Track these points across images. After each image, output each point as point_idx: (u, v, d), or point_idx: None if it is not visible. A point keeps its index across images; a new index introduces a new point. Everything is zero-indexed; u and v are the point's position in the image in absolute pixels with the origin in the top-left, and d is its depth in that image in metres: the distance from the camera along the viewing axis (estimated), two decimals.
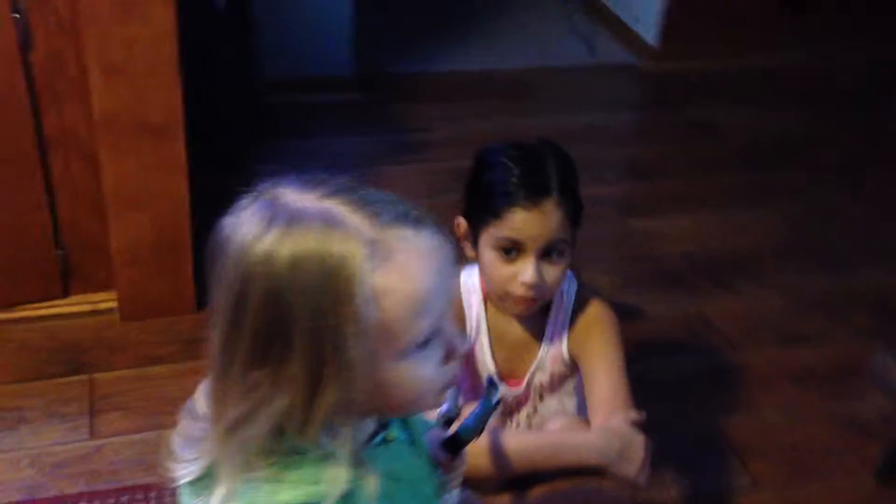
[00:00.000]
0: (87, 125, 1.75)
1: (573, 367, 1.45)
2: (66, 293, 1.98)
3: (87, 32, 1.65)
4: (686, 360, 2.12)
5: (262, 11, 2.66)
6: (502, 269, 1.30)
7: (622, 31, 3.67)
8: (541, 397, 1.49)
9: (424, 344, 0.76)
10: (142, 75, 1.70)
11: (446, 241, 0.78)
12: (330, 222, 0.71)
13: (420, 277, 0.74)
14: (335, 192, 0.73)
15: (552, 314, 1.43)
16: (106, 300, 2.00)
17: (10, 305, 1.95)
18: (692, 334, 2.19)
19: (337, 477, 0.74)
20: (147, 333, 1.99)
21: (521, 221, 1.26)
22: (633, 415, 1.32)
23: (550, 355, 1.44)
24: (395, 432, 0.90)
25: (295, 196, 0.73)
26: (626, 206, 2.70)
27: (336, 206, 0.72)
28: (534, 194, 1.26)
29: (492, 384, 1.01)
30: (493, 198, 1.28)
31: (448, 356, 0.79)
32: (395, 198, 0.77)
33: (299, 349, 0.70)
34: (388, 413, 0.82)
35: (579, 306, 1.44)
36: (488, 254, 1.30)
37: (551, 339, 1.43)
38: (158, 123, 1.75)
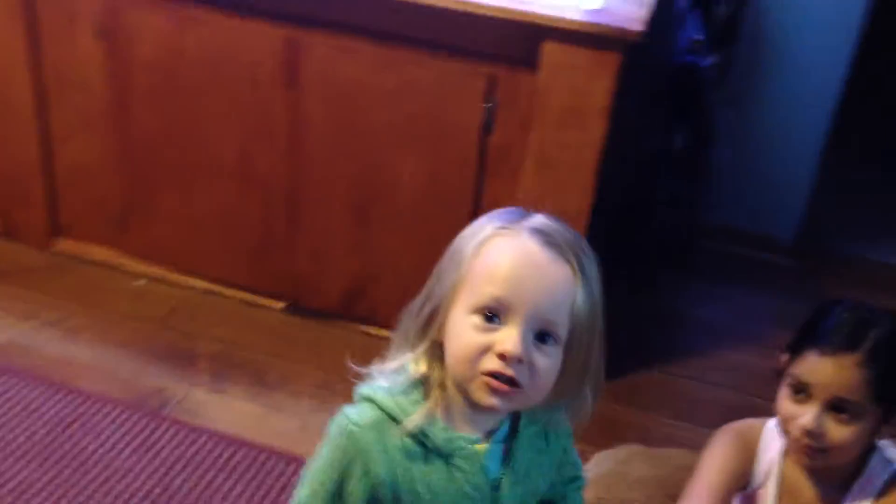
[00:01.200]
0: (511, 204, 2.09)
1: None
2: None
3: (535, 130, 2.00)
4: None
5: (720, 158, 2.82)
6: (788, 407, 1.30)
7: None
8: None
9: (483, 315, 0.93)
10: (564, 173, 2.00)
11: (570, 274, 0.95)
12: (503, 217, 1.01)
13: (506, 262, 0.94)
14: (552, 218, 1.01)
15: (855, 486, 1.36)
16: None
17: None
18: None
19: (399, 410, 0.99)
20: None
21: (812, 364, 1.26)
22: None
23: None
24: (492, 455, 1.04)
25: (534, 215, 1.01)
26: None
27: (530, 218, 1.00)
28: (837, 345, 1.25)
29: None
30: (805, 338, 1.30)
31: (492, 347, 0.93)
32: (566, 233, 0.99)
33: (433, 276, 1.01)
34: (453, 373, 0.98)
35: (890, 488, 1.35)
36: (783, 389, 1.32)
37: None
38: (567, 217, 2.00)
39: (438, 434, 0.99)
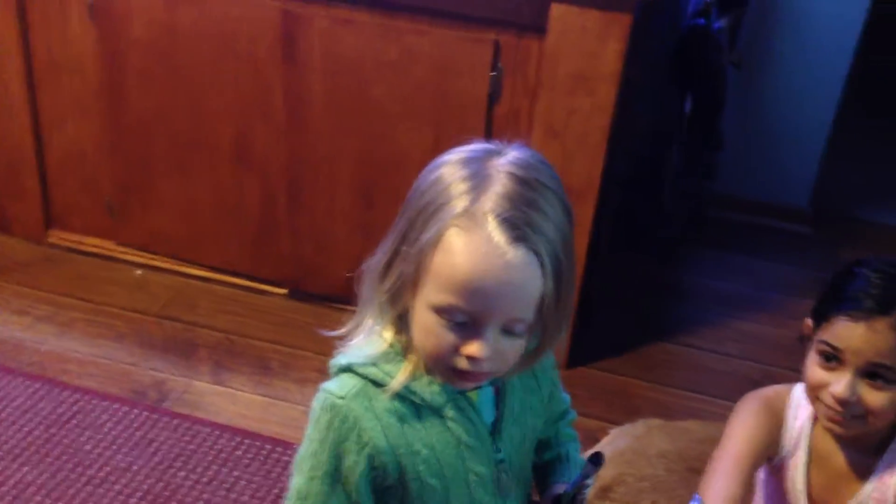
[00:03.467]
0: None
1: None
2: None
3: (542, 97, 1.91)
4: None
5: (730, 125, 2.73)
6: (818, 374, 1.22)
7: None
8: None
9: (444, 314, 0.88)
10: (573, 141, 1.91)
11: (538, 269, 0.86)
12: (468, 176, 0.88)
13: (468, 271, 0.85)
14: (517, 170, 0.88)
15: (888, 451, 1.28)
16: None
17: None
18: None
19: (383, 373, 0.94)
20: None
21: (844, 330, 1.18)
22: None
23: (875, 497, 1.28)
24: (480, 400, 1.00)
25: (500, 159, 0.89)
26: None
27: (495, 175, 0.87)
28: (869, 308, 1.17)
29: (596, 462, 0.99)
30: (832, 302, 1.22)
31: (459, 348, 0.89)
32: (530, 201, 0.86)
33: (397, 228, 0.92)
34: (421, 354, 0.93)
35: None
36: (811, 356, 1.24)
37: (881, 478, 1.28)
38: (577, 186, 1.94)
39: (425, 388, 0.95)
